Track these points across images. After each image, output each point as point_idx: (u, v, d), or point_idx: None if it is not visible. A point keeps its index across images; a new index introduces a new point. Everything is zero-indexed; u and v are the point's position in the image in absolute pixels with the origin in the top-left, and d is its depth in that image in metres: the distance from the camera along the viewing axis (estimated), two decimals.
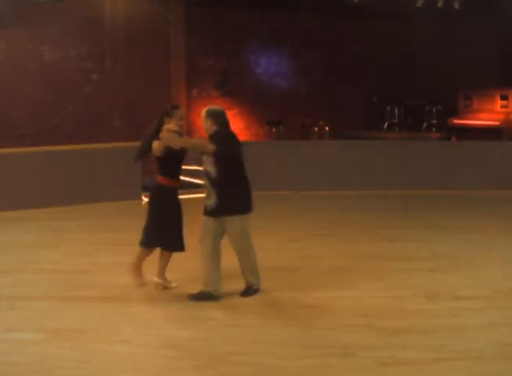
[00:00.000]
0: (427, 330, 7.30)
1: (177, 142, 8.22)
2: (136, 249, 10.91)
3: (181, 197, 8.88)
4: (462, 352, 6.67)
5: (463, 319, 7.64)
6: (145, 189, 15.38)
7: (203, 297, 8.28)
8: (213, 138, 8.16)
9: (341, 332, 7.26)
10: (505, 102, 19.96)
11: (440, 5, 16.87)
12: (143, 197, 15.27)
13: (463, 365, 6.37)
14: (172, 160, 8.49)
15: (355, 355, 6.64)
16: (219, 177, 8.17)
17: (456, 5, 16.98)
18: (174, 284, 8.87)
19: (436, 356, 6.59)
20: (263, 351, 6.77)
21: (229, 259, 8.59)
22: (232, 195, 8.24)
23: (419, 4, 17.15)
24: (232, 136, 8.27)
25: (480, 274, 9.43)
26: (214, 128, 8.20)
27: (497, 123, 19.73)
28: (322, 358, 6.57)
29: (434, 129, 19.95)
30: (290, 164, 16.13)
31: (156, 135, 8.44)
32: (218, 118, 8.23)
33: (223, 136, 8.17)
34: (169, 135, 8.22)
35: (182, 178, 8.91)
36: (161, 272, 8.85)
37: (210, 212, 8.31)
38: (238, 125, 19.23)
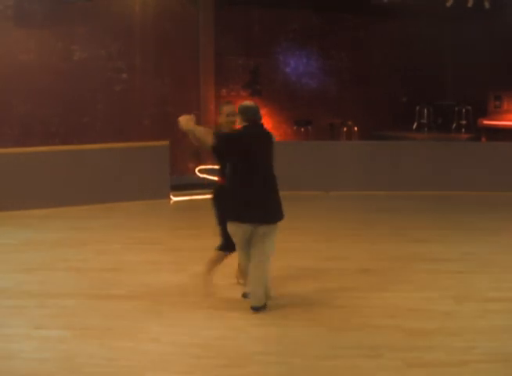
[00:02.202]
0: (455, 331, 7.26)
1: (187, 125, 7.81)
2: (162, 248, 11.02)
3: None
4: (489, 354, 6.63)
5: (492, 322, 7.59)
6: (173, 187, 15.46)
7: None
8: (218, 133, 7.91)
9: (369, 333, 7.25)
10: None
11: (470, 4, 16.74)
12: (171, 196, 15.32)
13: (490, 367, 6.33)
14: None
15: (383, 356, 6.62)
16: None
17: (487, 5, 16.85)
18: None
19: (464, 357, 6.56)
20: (290, 351, 6.77)
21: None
22: (228, 197, 7.95)
23: (448, 4, 17.04)
24: (240, 133, 7.89)
25: (509, 276, 9.37)
26: (243, 124, 7.92)
27: None
28: (350, 359, 6.56)
29: (463, 130, 19.82)
30: (319, 164, 16.10)
31: None
32: (246, 114, 7.91)
33: (230, 132, 7.98)
34: (184, 118, 7.88)
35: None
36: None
37: None
38: (267, 125, 19.20)
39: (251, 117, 7.91)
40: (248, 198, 7.77)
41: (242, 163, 7.80)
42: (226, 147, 7.83)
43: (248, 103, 8.12)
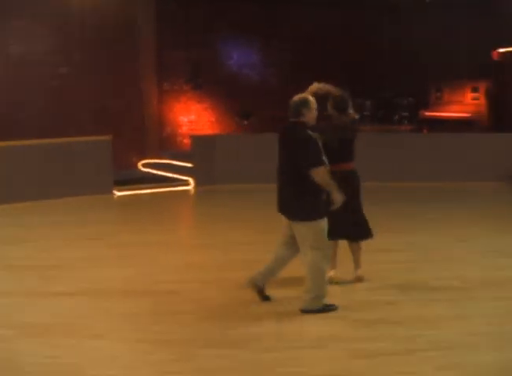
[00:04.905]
0: (400, 321, 7.30)
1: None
2: (105, 243, 10.93)
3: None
4: (434, 342, 6.67)
5: (436, 310, 7.64)
6: (116, 182, 15.33)
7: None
8: None
9: (314, 324, 7.24)
10: (476, 94, 20.10)
11: None
12: (115, 191, 15.20)
13: (435, 355, 6.37)
14: None
15: (327, 347, 6.62)
16: None
17: None
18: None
19: (408, 346, 6.59)
20: (237, 344, 6.73)
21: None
22: None
23: None
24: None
25: (453, 265, 9.46)
26: None
27: (468, 115, 19.86)
28: (295, 350, 6.55)
29: (405, 122, 19.99)
30: (260, 157, 16.08)
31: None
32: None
33: None
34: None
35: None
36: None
37: None
38: (209, 118, 19.18)
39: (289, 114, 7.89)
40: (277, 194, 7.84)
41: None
42: None
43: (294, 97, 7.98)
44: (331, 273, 8.52)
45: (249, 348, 6.62)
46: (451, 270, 9.20)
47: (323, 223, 7.59)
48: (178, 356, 6.48)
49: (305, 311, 7.55)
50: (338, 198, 7.56)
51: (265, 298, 7.91)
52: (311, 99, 7.87)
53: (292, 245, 7.76)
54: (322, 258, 7.57)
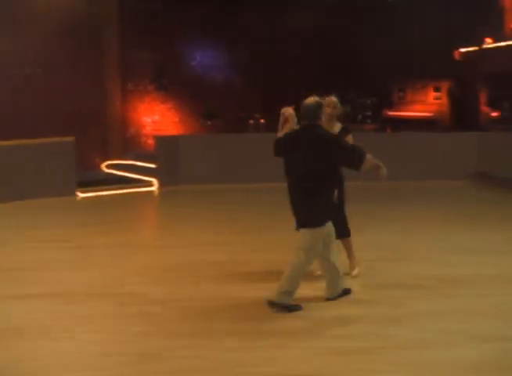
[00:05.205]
0: (375, 319, 7.28)
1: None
2: (69, 245, 10.83)
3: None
4: (409, 340, 6.67)
5: (410, 308, 7.64)
6: (80, 184, 15.23)
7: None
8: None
9: (287, 322, 7.21)
10: (438, 93, 20.29)
11: None
12: (78, 193, 15.09)
13: (410, 354, 6.37)
14: None
15: (300, 346, 6.58)
16: None
17: None
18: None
19: (384, 344, 6.58)
20: (208, 344, 6.68)
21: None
22: None
23: None
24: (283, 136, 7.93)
25: (425, 264, 9.48)
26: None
27: (430, 114, 20.03)
28: (267, 350, 6.50)
29: (368, 121, 20.09)
30: (225, 157, 16.09)
31: None
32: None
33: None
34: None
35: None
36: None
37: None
38: (172, 119, 19.12)
39: (300, 119, 7.78)
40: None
41: (284, 165, 7.82)
42: (274, 148, 7.92)
43: (307, 100, 7.79)
44: (356, 271, 8.83)
45: (220, 348, 6.57)
46: (424, 269, 9.19)
47: (325, 229, 7.67)
48: (148, 357, 6.42)
49: (273, 303, 7.54)
50: (384, 173, 7.88)
51: (348, 291, 8.07)
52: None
53: (327, 243, 7.80)
54: (306, 263, 7.61)
